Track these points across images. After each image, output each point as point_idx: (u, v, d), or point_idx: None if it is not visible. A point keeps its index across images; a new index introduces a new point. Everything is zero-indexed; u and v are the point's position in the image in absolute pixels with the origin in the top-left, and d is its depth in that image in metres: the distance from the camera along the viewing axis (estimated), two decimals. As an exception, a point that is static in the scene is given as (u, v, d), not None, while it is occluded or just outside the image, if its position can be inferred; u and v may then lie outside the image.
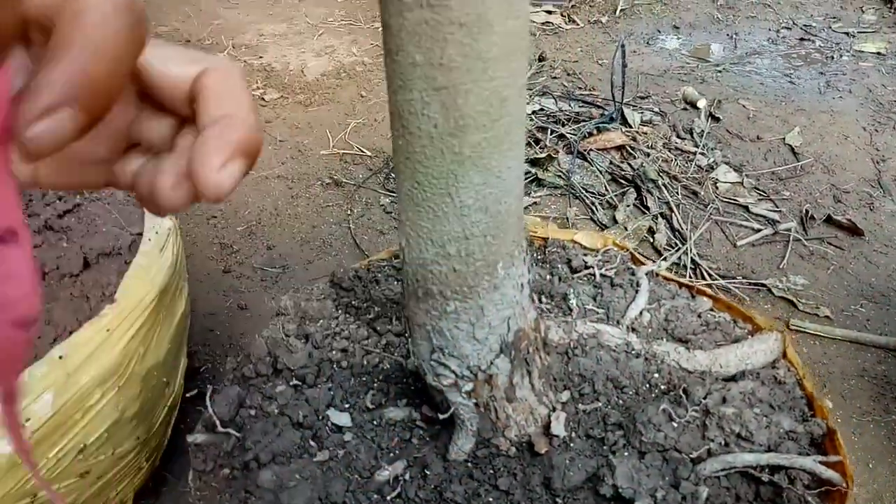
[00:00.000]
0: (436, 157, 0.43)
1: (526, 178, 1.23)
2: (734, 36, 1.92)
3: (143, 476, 0.75)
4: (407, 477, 0.59)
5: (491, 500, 0.57)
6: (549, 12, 2.08)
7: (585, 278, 0.77)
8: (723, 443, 0.59)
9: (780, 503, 0.56)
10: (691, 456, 0.57)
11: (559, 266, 0.79)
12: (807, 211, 1.21)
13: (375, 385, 0.66)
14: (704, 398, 0.61)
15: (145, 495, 0.81)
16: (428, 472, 0.59)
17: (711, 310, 0.75)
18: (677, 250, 1.12)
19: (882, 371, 0.95)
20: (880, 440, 0.88)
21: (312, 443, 0.61)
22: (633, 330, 0.70)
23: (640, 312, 0.71)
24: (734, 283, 1.07)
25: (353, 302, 0.75)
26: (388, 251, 0.83)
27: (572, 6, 2.11)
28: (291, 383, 0.66)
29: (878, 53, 1.79)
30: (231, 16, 2.07)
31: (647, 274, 0.76)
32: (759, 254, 1.14)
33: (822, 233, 1.18)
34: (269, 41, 1.93)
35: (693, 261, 1.10)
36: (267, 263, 1.16)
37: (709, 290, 0.77)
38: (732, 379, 0.66)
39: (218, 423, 0.60)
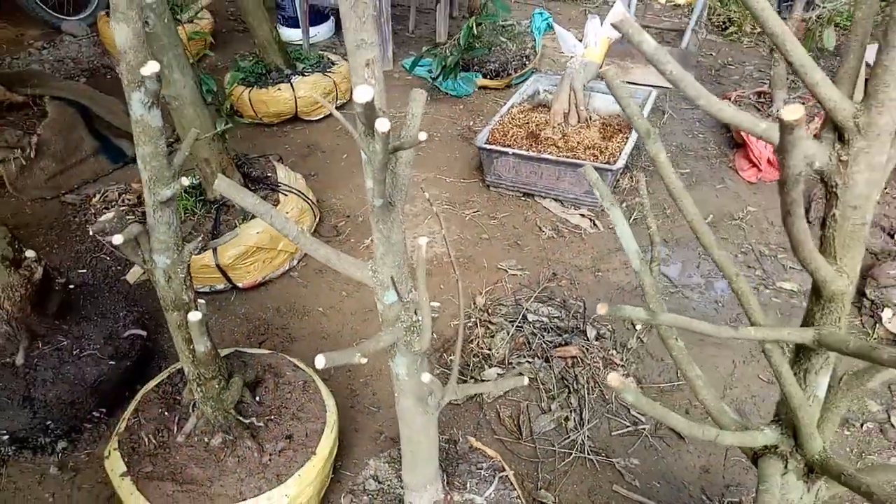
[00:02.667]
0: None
1: (506, 372, 2.25)
2: (701, 255, 2.79)
3: None
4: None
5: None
6: (583, 215, 3.04)
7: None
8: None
9: None
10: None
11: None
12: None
13: None
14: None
15: None
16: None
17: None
18: (575, 436, 2.10)
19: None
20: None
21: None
22: None
23: None
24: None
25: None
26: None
27: (601, 209, 3.05)
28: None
29: (793, 291, 2.58)
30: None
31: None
32: (623, 441, 2.09)
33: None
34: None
35: (583, 442, 2.08)
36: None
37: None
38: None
39: None
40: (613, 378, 0.71)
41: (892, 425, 2.09)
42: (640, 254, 1.07)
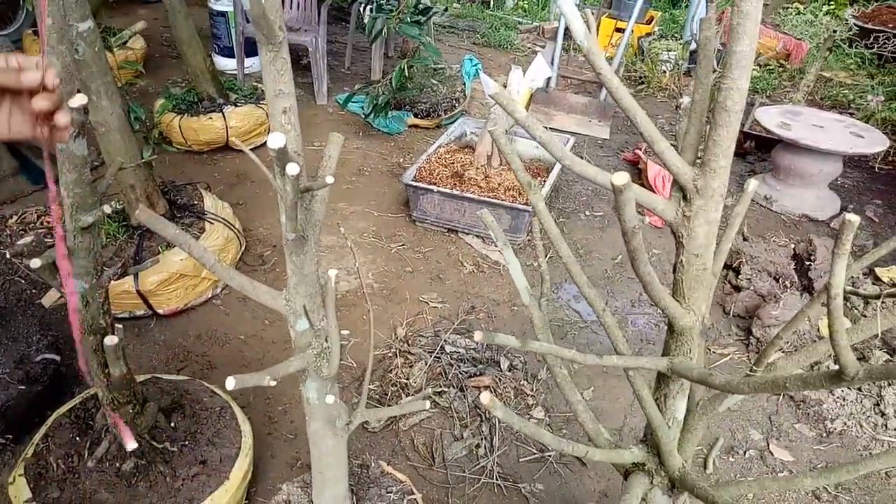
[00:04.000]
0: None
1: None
2: (609, 293, 2.99)
3: None
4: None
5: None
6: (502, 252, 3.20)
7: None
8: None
9: None
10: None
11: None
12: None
13: None
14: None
15: None
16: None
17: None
18: (485, 462, 2.21)
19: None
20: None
21: None
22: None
23: None
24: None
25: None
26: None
27: (519, 247, 3.23)
28: None
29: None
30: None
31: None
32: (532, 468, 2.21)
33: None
34: (322, 253, 3.13)
35: (492, 468, 2.18)
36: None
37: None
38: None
39: None
40: (485, 397, 0.82)
41: (771, 453, 2.29)
42: (529, 290, 1.20)
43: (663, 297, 0.97)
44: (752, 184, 1.08)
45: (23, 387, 1.91)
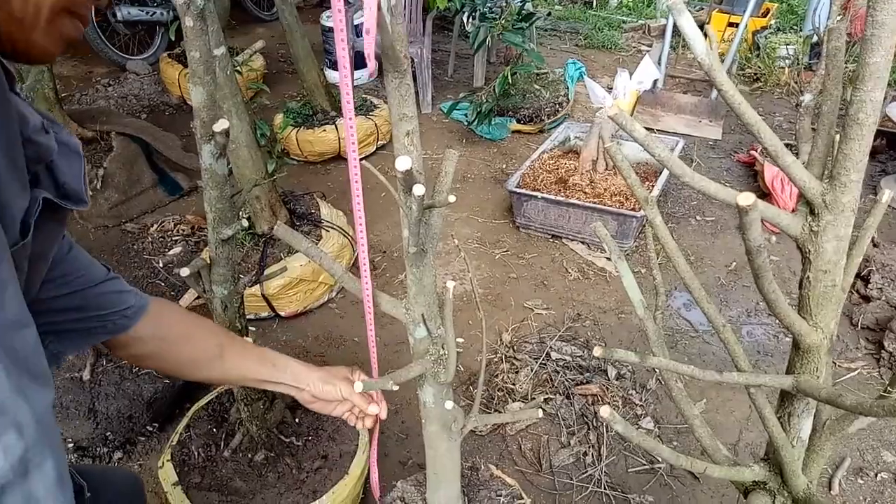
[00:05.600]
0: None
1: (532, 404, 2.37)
2: (723, 301, 2.88)
3: None
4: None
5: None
6: (608, 259, 3.16)
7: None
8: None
9: None
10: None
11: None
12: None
13: None
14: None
15: None
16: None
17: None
18: (592, 472, 2.20)
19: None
20: None
21: None
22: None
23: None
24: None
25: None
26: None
27: (626, 254, 3.17)
28: None
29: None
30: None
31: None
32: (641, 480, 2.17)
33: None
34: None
35: (600, 477, 2.17)
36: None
37: None
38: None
39: None
40: (604, 410, 0.84)
41: (906, 476, 2.13)
42: (643, 303, 1.20)
43: (788, 314, 0.95)
44: (887, 194, 1.03)
45: (167, 381, 2.12)
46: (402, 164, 0.96)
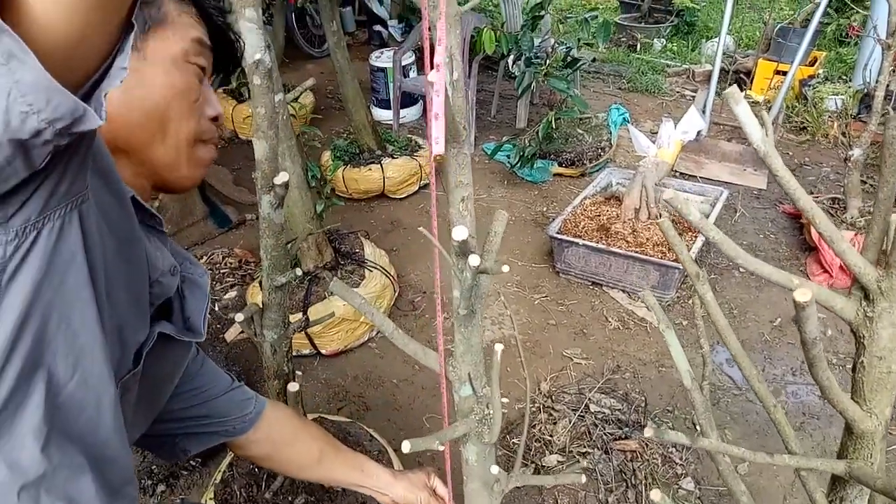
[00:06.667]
0: None
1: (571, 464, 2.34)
2: (766, 358, 2.82)
3: None
4: None
5: None
6: (649, 309, 3.13)
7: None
8: None
9: None
10: None
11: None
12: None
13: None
14: None
15: None
16: None
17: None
18: (633, 528, 2.16)
19: None
20: None
21: None
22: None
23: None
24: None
25: None
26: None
27: (667, 304, 3.14)
28: None
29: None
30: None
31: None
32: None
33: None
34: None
35: (637, 537, 2.13)
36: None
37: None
38: None
39: None
40: (655, 495, 0.85)
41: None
42: (691, 373, 1.20)
43: (842, 400, 0.94)
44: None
45: (211, 416, 2.17)
46: (459, 234, 0.99)
